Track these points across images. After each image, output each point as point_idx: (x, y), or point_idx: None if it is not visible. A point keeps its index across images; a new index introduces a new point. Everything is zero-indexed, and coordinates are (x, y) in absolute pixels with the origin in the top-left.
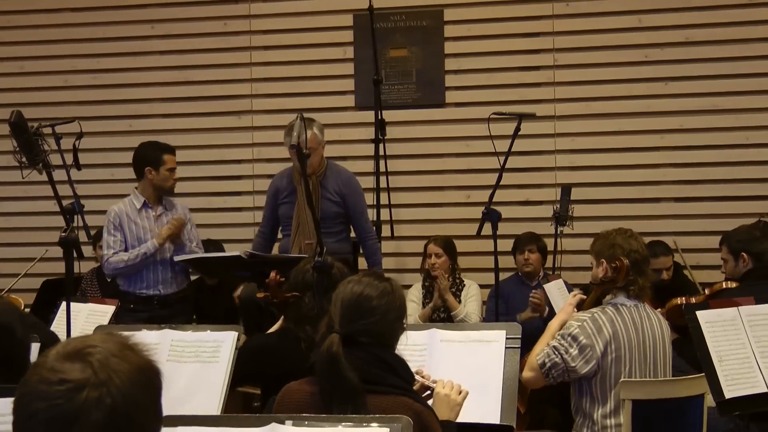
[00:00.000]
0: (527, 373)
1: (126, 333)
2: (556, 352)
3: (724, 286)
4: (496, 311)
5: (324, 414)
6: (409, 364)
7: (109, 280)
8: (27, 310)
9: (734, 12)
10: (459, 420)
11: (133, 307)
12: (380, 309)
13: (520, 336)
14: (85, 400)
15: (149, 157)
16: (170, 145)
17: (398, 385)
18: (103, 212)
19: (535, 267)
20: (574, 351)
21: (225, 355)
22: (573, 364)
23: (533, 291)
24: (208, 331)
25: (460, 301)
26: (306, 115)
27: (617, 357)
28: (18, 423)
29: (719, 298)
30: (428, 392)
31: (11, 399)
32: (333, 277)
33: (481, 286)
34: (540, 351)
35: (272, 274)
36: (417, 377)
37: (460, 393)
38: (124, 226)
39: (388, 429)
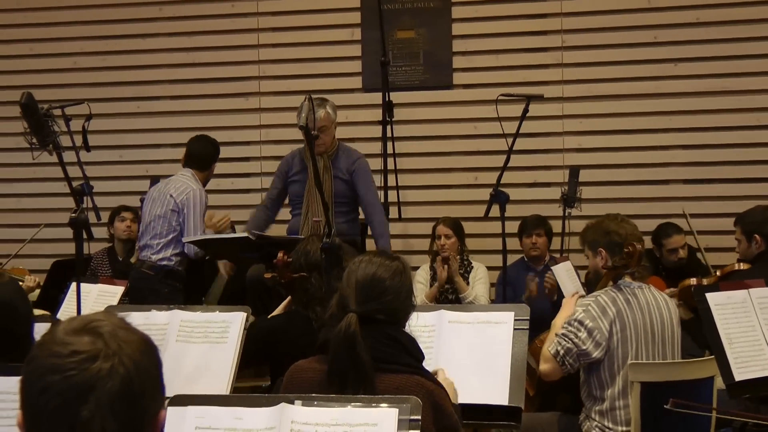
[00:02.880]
0: (543, 366)
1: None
2: (566, 338)
3: (735, 267)
4: (503, 295)
5: (332, 393)
6: None
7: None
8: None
9: None
10: (468, 401)
11: (180, 287)
12: (394, 288)
13: (528, 317)
14: (99, 369)
15: (216, 155)
16: None
17: (410, 364)
18: (113, 194)
19: (542, 250)
20: (582, 334)
21: (233, 335)
22: (584, 347)
23: (547, 275)
24: (217, 312)
25: (468, 283)
26: (314, 96)
27: (623, 338)
28: (29, 399)
29: (730, 280)
30: None
31: (16, 378)
32: (342, 258)
33: (489, 269)
34: (550, 342)
35: (280, 255)
36: None
37: (450, 384)
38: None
39: (397, 410)
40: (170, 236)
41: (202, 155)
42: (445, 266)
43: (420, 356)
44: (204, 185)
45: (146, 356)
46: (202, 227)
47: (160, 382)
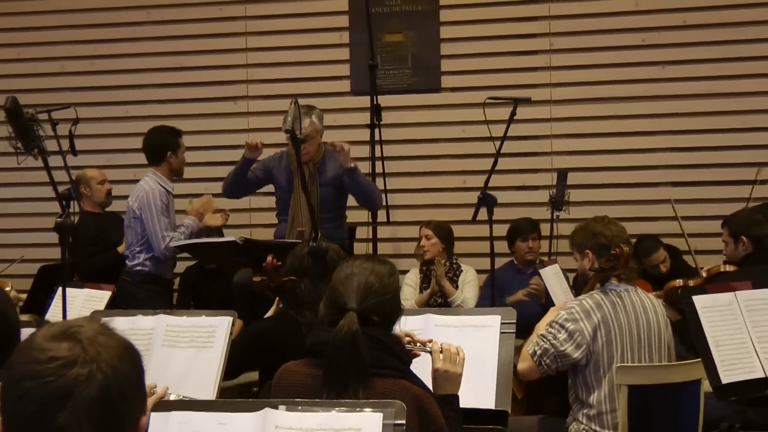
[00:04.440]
0: (521, 365)
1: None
2: (545, 339)
3: (722, 269)
4: (492, 298)
5: (322, 396)
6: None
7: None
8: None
9: None
10: None
11: (159, 290)
12: (389, 288)
13: (515, 321)
14: (77, 376)
15: (170, 142)
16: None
17: (397, 368)
18: None
19: (536, 254)
20: (562, 336)
21: (220, 340)
22: (562, 349)
23: (533, 279)
24: (203, 316)
25: (457, 287)
26: (302, 100)
27: (608, 341)
28: (7, 405)
29: (716, 282)
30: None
31: None
32: (330, 262)
33: (477, 272)
34: (530, 342)
35: (269, 258)
36: (408, 345)
37: (458, 360)
38: (170, 208)
39: (382, 414)
40: (140, 243)
41: (151, 149)
42: (433, 270)
43: (407, 359)
44: (177, 175)
45: (126, 362)
46: (167, 224)
47: (142, 388)
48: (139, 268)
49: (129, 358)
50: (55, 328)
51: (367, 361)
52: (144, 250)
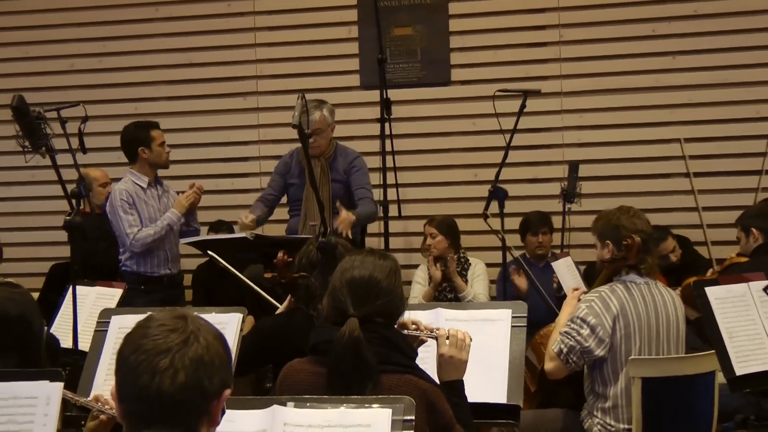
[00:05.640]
0: (548, 365)
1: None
2: (569, 336)
3: (734, 261)
4: (504, 292)
5: (327, 394)
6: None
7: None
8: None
9: None
10: None
11: (145, 288)
12: (390, 289)
13: (526, 314)
14: (177, 338)
15: (139, 137)
16: (153, 120)
17: (402, 363)
18: None
19: (547, 248)
20: (585, 331)
21: (230, 336)
22: (587, 344)
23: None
24: (213, 313)
25: (466, 281)
26: (311, 95)
27: (626, 334)
28: (122, 361)
29: (729, 273)
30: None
31: (37, 382)
32: (339, 256)
33: (488, 265)
34: (554, 340)
35: (280, 254)
36: (414, 333)
37: (464, 347)
38: (138, 205)
39: (391, 410)
40: (119, 244)
41: (123, 147)
42: (439, 266)
43: (412, 354)
44: (160, 167)
45: (218, 341)
46: (132, 221)
47: (229, 366)
48: (123, 268)
49: (221, 340)
50: (168, 310)
51: (372, 365)
52: (122, 251)
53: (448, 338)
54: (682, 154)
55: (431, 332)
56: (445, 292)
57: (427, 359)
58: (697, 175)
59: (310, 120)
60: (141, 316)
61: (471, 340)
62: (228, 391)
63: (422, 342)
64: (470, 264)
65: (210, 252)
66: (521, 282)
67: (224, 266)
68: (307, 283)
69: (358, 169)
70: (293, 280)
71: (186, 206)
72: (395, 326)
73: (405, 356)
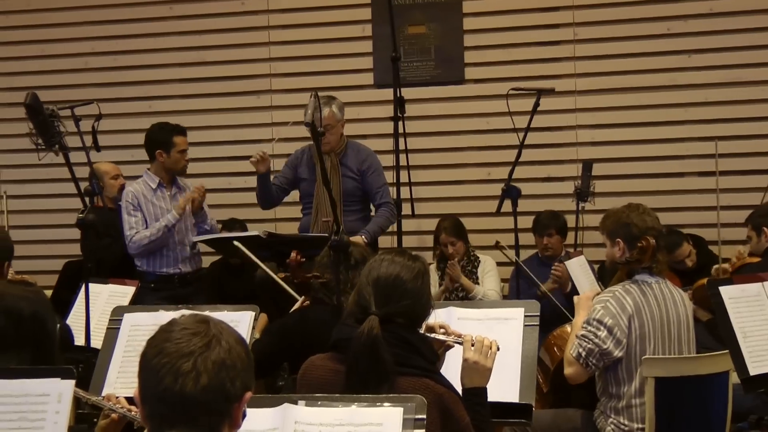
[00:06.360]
0: (568, 369)
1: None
2: (587, 339)
3: (746, 261)
4: (517, 290)
5: (345, 391)
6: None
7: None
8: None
9: None
10: None
11: (154, 287)
12: (415, 291)
13: (538, 313)
14: (200, 342)
15: (159, 140)
16: (180, 125)
17: (422, 366)
18: None
19: (556, 249)
20: (602, 333)
21: (242, 334)
22: (605, 347)
23: (555, 264)
24: (225, 311)
25: (477, 278)
26: (325, 93)
27: (641, 335)
28: (146, 362)
29: (742, 273)
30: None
31: (49, 380)
32: (362, 261)
33: (502, 264)
34: (571, 344)
35: (293, 255)
36: (440, 336)
37: (489, 354)
38: (143, 206)
39: (402, 409)
40: None
41: (145, 145)
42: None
43: (432, 358)
44: (175, 174)
45: (240, 345)
46: (133, 222)
47: (250, 369)
48: (136, 266)
49: (243, 344)
50: (191, 314)
51: (389, 365)
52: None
53: (473, 344)
54: (716, 152)
55: (458, 337)
56: (457, 291)
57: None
58: (710, 174)
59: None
60: (152, 314)
61: (498, 349)
62: (249, 394)
63: (449, 347)
64: (479, 261)
65: (236, 242)
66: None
67: (248, 256)
68: (323, 282)
69: (374, 170)
70: (306, 280)
71: (183, 207)
72: (421, 329)
73: (425, 360)
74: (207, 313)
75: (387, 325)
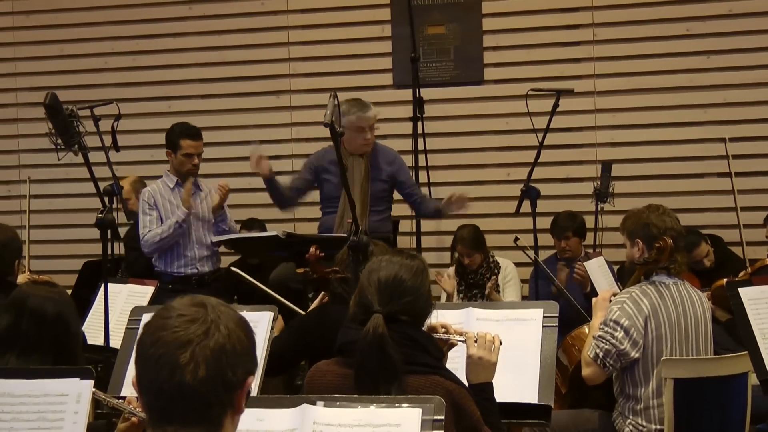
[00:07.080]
0: (585, 371)
1: None
2: (604, 340)
3: (766, 262)
4: (536, 291)
5: (358, 395)
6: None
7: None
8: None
9: None
10: (497, 399)
11: (172, 287)
12: (415, 288)
13: (557, 314)
14: (198, 329)
15: (169, 140)
16: (192, 129)
17: (429, 364)
18: None
19: (574, 251)
20: (619, 334)
21: (261, 335)
22: (622, 347)
23: (577, 264)
24: (244, 311)
25: (498, 284)
26: (344, 94)
27: (658, 336)
28: (142, 351)
29: (761, 275)
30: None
31: (68, 380)
32: (368, 255)
33: (521, 265)
34: (589, 345)
35: (312, 249)
36: (443, 336)
37: (493, 348)
38: (158, 205)
39: (420, 410)
40: None
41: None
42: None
43: (439, 355)
44: (179, 176)
45: (240, 328)
46: (146, 221)
47: (252, 352)
48: (154, 266)
49: (243, 327)
50: (188, 298)
51: (397, 363)
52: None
53: (476, 340)
54: (726, 153)
55: (460, 335)
56: (476, 298)
57: (457, 358)
58: (727, 175)
59: (367, 117)
60: None
61: (501, 343)
62: (252, 378)
63: (452, 345)
64: (500, 267)
65: (233, 268)
66: (447, 285)
67: (248, 280)
68: (342, 277)
69: (404, 168)
70: (325, 275)
71: (187, 200)
72: (423, 329)
73: (431, 357)
74: None
75: (392, 324)
